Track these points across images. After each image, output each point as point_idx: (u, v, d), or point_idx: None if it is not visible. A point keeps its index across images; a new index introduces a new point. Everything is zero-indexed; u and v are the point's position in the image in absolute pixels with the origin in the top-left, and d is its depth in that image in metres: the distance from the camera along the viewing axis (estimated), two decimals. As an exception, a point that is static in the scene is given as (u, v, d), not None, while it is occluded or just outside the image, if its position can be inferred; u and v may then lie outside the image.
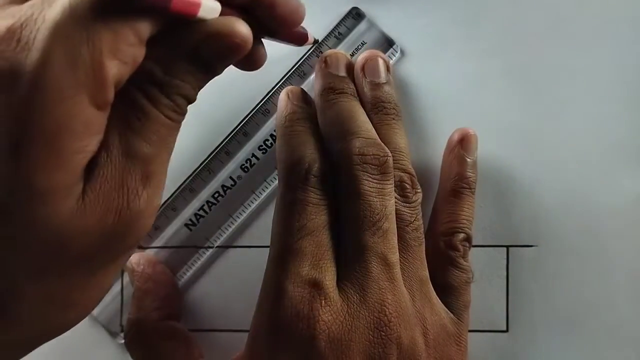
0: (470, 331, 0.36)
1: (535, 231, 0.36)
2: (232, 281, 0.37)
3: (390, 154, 0.32)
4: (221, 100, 0.37)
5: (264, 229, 0.37)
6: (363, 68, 0.35)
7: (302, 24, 0.31)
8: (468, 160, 0.35)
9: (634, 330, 0.36)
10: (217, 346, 0.37)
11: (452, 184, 0.35)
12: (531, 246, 0.36)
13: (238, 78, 0.36)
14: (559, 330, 0.36)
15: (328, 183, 0.32)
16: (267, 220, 0.37)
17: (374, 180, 0.31)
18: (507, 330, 0.36)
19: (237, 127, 0.37)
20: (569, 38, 0.36)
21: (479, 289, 0.36)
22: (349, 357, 0.29)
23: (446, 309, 0.33)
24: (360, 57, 0.35)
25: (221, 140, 0.37)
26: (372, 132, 0.33)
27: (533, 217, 0.36)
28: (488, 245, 0.36)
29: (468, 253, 0.35)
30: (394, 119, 0.35)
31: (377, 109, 0.34)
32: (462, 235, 0.34)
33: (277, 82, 0.37)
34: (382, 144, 0.32)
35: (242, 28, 0.26)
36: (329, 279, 0.30)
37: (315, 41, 0.36)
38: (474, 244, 0.36)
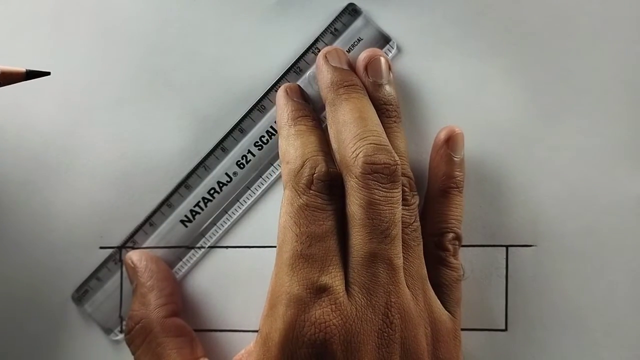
0: (469, 330, 0.36)
1: (535, 231, 0.36)
2: (229, 281, 0.37)
3: (399, 162, 0.32)
4: (217, 97, 0.37)
5: (260, 227, 0.37)
6: (366, 67, 0.35)
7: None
8: (455, 159, 0.35)
9: (633, 330, 0.36)
10: (214, 346, 0.37)
11: (440, 183, 0.35)
12: (530, 246, 0.36)
13: (234, 75, 0.37)
14: (558, 329, 0.36)
15: (334, 185, 0.32)
16: (263, 217, 0.37)
17: (384, 189, 0.31)
18: (506, 329, 0.36)
19: (233, 123, 0.37)
20: (569, 38, 0.36)
21: (479, 288, 0.36)
22: (359, 359, 0.30)
23: (441, 304, 0.34)
24: (362, 56, 0.35)
25: (217, 136, 0.37)
26: (383, 136, 0.32)
27: (532, 217, 0.36)
28: (487, 245, 0.36)
29: (458, 251, 0.35)
30: (395, 121, 0.35)
31: (379, 111, 0.34)
32: (451, 235, 0.34)
33: (273, 78, 0.37)
34: (392, 149, 0.32)
35: None
36: (338, 283, 0.31)
37: None
38: (473, 243, 0.36)
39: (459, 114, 0.36)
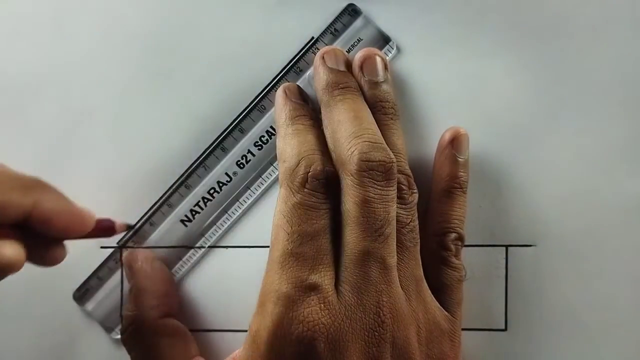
0: (469, 330, 0.36)
1: (534, 231, 0.36)
2: (229, 281, 0.37)
3: (394, 160, 0.32)
4: (217, 97, 0.37)
5: (260, 227, 0.37)
6: (361, 66, 0.35)
7: (109, 217, 0.34)
8: (459, 159, 0.35)
9: (633, 330, 0.36)
10: (213, 346, 0.37)
11: (444, 184, 0.35)
12: (530, 246, 0.36)
13: (234, 75, 0.37)
14: (558, 329, 0.36)
15: (330, 184, 0.32)
16: (263, 217, 0.37)
17: (379, 187, 0.31)
18: (505, 329, 0.36)
19: (233, 123, 0.37)
20: (569, 38, 0.36)
21: (478, 288, 0.36)
22: (346, 358, 0.30)
23: (440, 307, 0.34)
24: (358, 56, 0.35)
25: (217, 136, 0.37)
26: (378, 134, 0.33)
27: (532, 217, 0.36)
28: (487, 244, 0.36)
29: (460, 252, 0.35)
30: (391, 118, 0.35)
31: (375, 109, 0.34)
32: (454, 235, 0.34)
33: (273, 78, 0.37)
34: (387, 147, 0.32)
35: (6, 252, 0.29)
36: (328, 282, 0.31)
37: (129, 226, 0.36)
38: (473, 243, 0.36)
39: (459, 114, 0.36)
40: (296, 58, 0.37)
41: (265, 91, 0.37)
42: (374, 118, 0.34)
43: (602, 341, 0.36)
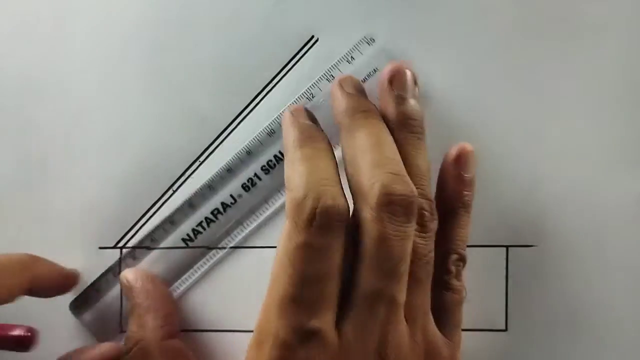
0: (469, 330, 0.36)
1: (535, 231, 0.36)
2: (229, 282, 0.37)
3: (416, 194, 0.30)
4: (217, 97, 0.37)
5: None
6: (390, 80, 0.33)
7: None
8: (465, 177, 0.34)
9: (633, 330, 0.36)
10: (214, 346, 0.37)
11: (447, 204, 0.34)
12: (530, 246, 0.36)
13: (234, 75, 0.36)
14: (558, 329, 0.36)
15: (340, 220, 0.30)
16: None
17: (398, 224, 0.29)
18: (506, 330, 0.36)
19: (233, 123, 0.37)
20: (569, 38, 0.36)
21: (479, 289, 0.36)
22: None
23: (441, 335, 0.33)
24: (386, 69, 0.33)
25: (216, 136, 0.37)
26: (400, 165, 0.31)
27: (532, 217, 0.36)
28: (487, 245, 0.36)
29: (461, 272, 0.34)
30: (419, 137, 0.33)
31: (402, 126, 0.33)
32: (455, 257, 0.33)
33: (272, 78, 0.37)
34: (409, 180, 0.30)
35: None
36: (328, 327, 0.29)
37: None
38: (473, 243, 0.36)
39: (459, 114, 0.36)
40: (296, 58, 0.37)
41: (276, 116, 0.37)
42: (400, 135, 0.32)
43: (602, 341, 0.36)
